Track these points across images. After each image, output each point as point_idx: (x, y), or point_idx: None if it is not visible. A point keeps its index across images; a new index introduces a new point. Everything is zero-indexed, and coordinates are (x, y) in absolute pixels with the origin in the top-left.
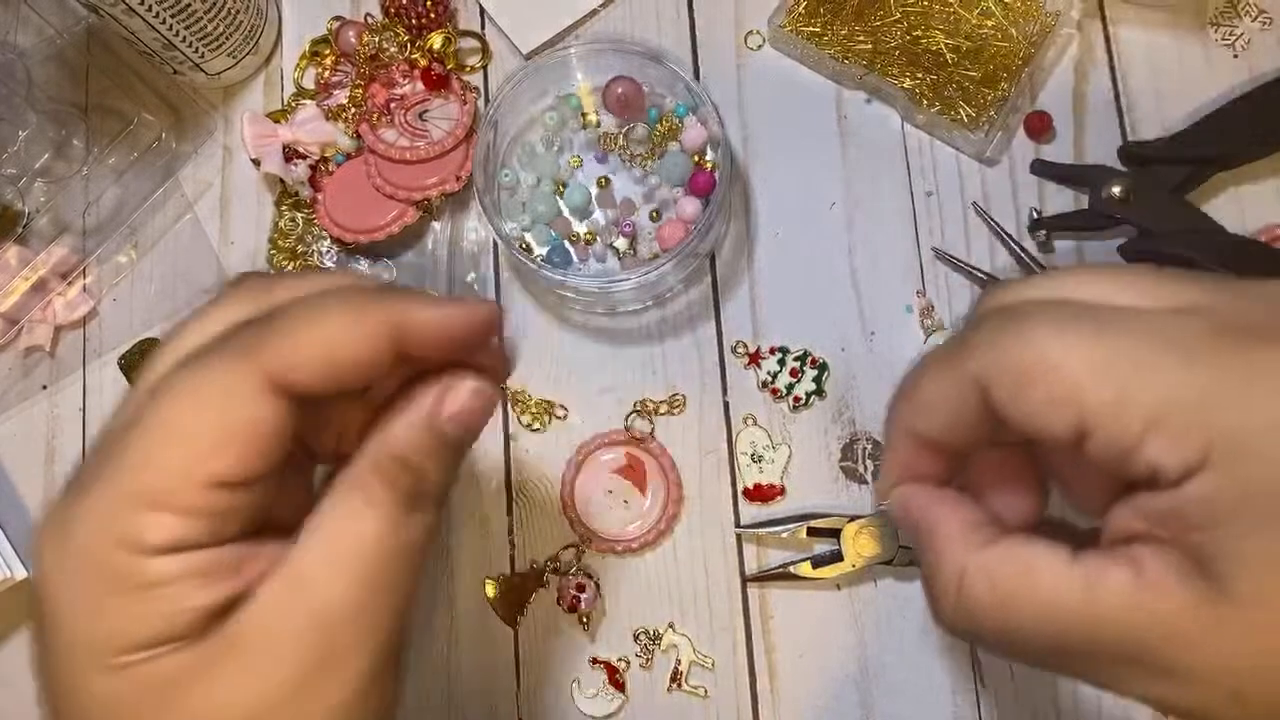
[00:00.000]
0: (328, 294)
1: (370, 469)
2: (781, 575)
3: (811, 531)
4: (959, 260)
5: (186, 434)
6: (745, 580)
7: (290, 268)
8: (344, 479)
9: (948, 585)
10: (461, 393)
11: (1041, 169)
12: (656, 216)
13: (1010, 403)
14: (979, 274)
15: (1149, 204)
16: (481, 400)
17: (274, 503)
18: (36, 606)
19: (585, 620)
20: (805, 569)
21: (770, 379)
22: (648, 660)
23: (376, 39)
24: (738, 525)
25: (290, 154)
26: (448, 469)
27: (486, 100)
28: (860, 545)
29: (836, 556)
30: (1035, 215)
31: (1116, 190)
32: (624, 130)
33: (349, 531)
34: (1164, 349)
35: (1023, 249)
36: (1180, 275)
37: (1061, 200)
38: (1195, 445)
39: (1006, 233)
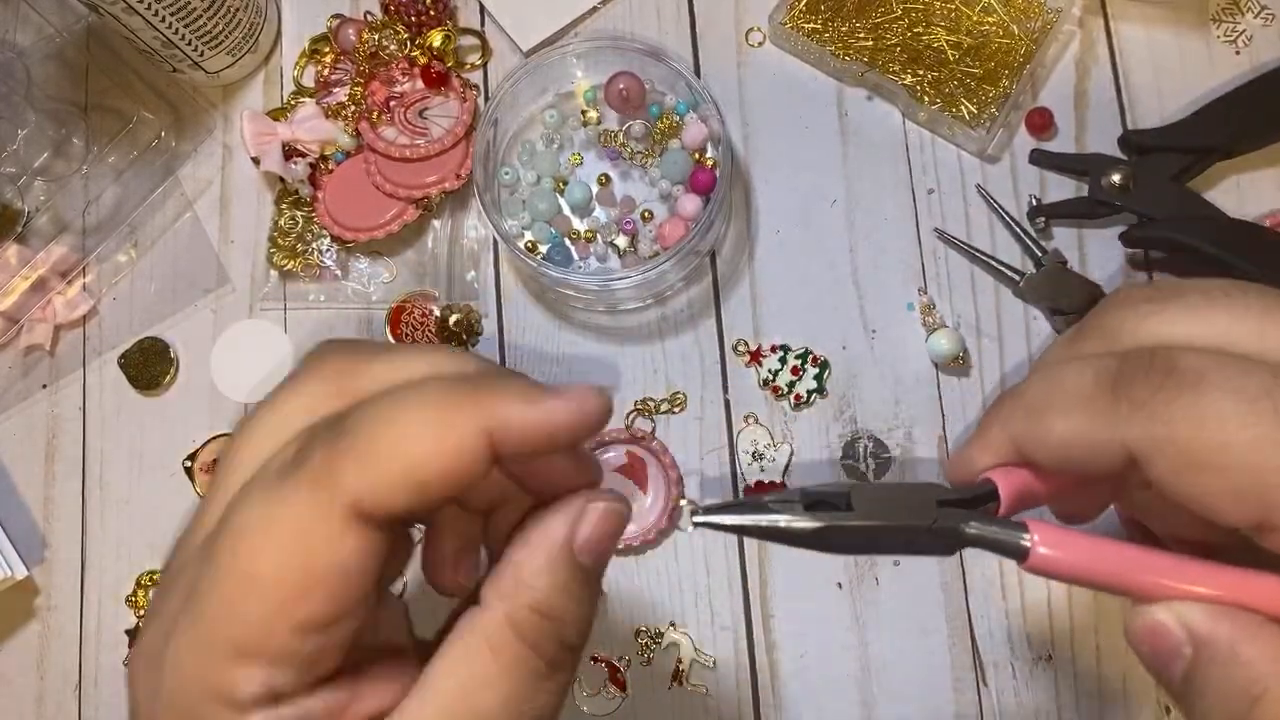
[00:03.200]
0: (407, 393)
1: (505, 623)
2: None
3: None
4: (961, 241)
5: (266, 583)
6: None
7: (290, 266)
8: (472, 627)
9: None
10: (595, 516)
11: (1040, 158)
12: (650, 216)
13: (1175, 483)
14: (980, 255)
15: (1149, 191)
16: (617, 522)
17: (378, 624)
18: None
19: None
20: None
21: (771, 377)
22: (649, 659)
23: (376, 37)
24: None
25: (290, 152)
26: (587, 611)
27: (486, 98)
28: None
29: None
30: (1034, 202)
31: (1116, 178)
32: (624, 128)
33: (475, 701)
34: None
35: (1024, 231)
36: None
37: (1064, 194)
38: None
39: (1009, 215)
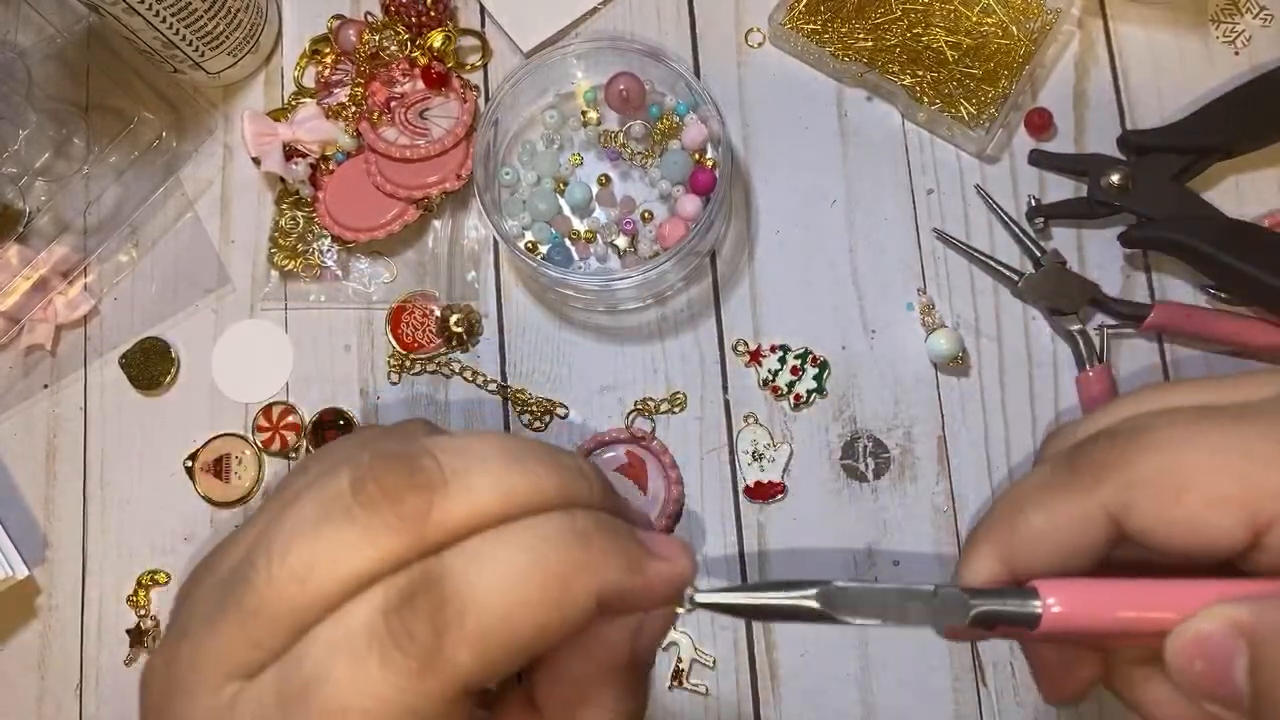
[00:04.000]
0: (515, 557)
1: None
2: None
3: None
4: (960, 241)
5: None
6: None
7: (291, 266)
8: None
9: None
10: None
11: (1039, 158)
12: (650, 216)
13: (1161, 521)
14: (979, 255)
15: (1148, 191)
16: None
17: None
18: None
19: None
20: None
21: (771, 377)
22: None
23: (377, 37)
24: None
25: (290, 152)
26: (645, 696)
27: (487, 98)
28: None
29: None
30: (1033, 203)
31: (1115, 178)
32: (624, 128)
33: None
34: None
35: (1024, 231)
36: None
37: (1063, 194)
38: None
39: (1008, 215)
